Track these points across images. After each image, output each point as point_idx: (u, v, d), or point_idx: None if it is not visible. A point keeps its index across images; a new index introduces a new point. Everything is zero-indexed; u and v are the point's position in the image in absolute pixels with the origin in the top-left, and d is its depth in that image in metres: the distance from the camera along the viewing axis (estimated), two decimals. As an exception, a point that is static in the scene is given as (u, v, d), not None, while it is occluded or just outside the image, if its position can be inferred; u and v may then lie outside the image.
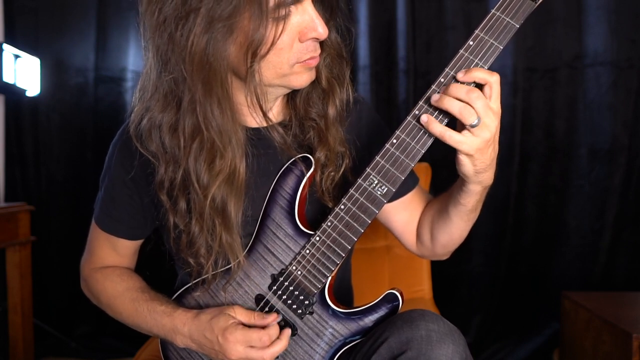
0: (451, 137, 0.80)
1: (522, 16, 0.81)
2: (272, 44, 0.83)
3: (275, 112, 1.02)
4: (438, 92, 0.82)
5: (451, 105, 0.79)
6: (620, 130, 2.22)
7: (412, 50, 2.29)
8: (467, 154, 0.81)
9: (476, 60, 0.82)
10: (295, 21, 0.84)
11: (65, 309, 2.52)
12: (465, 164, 0.83)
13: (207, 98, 0.85)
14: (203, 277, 0.97)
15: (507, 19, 0.81)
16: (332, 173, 0.99)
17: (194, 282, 1.01)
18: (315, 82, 0.97)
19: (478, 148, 0.80)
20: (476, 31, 0.82)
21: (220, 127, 0.87)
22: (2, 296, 2.18)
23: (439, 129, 0.80)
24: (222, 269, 0.97)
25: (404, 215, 1.10)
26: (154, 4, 0.83)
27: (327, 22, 0.92)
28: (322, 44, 0.93)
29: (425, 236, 1.08)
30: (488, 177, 0.89)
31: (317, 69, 0.95)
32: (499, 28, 0.82)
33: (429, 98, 0.83)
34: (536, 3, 0.81)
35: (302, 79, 0.92)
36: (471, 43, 0.82)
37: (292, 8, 0.83)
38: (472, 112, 0.78)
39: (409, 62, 2.29)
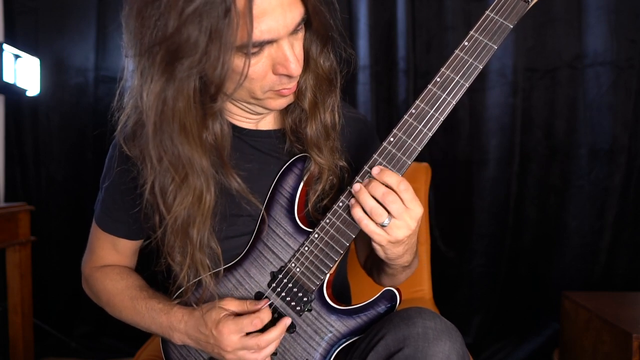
0: (367, 225, 0.84)
1: (515, 17, 0.83)
2: (242, 76, 0.78)
3: (271, 119, 1.03)
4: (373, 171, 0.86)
5: (365, 203, 0.83)
6: (620, 130, 2.22)
7: (412, 50, 2.30)
8: (378, 244, 0.86)
9: (471, 60, 0.84)
10: (268, 54, 0.82)
11: (65, 309, 2.53)
12: (378, 250, 0.89)
13: (158, 134, 0.81)
14: (177, 284, 0.96)
15: (501, 20, 0.84)
16: (322, 189, 0.99)
17: (176, 294, 1.00)
18: (298, 102, 0.96)
19: (389, 242, 0.85)
20: (471, 32, 0.85)
21: (179, 159, 0.83)
22: (2, 296, 2.19)
23: (358, 214, 0.84)
24: (195, 280, 0.95)
25: (360, 244, 1.13)
26: (133, 17, 0.78)
27: (321, 51, 0.91)
28: (308, 64, 0.91)
29: (370, 271, 1.12)
30: (404, 261, 0.93)
31: (301, 90, 0.94)
32: (493, 29, 0.84)
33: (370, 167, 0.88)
34: (529, 4, 0.84)
35: (276, 104, 0.91)
36: (466, 44, 0.85)
37: (266, 46, 0.81)
38: (383, 213, 0.82)
39: (409, 62, 2.29)
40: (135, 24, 0.77)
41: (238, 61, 0.78)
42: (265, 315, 0.92)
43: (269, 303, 0.95)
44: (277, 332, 0.92)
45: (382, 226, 0.83)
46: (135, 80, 0.83)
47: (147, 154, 0.84)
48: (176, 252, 0.92)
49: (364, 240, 1.12)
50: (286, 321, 0.94)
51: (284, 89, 0.88)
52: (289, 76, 0.85)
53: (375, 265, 1.07)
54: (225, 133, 0.89)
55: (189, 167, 0.84)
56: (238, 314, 0.94)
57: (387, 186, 0.84)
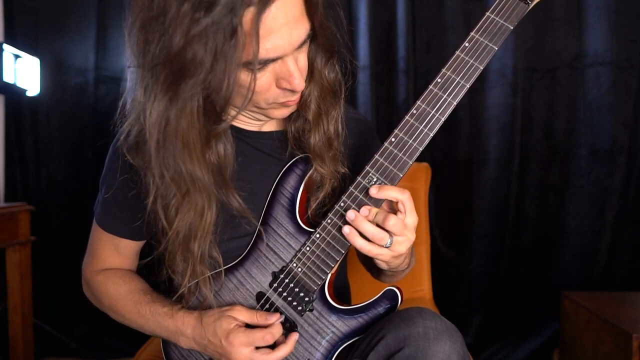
0: (370, 251, 0.87)
1: (515, 18, 0.84)
2: (249, 90, 0.77)
3: (274, 121, 1.03)
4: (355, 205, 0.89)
5: (365, 230, 0.86)
6: (620, 130, 2.22)
7: (412, 50, 2.30)
8: (382, 261, 0.91)
9: (472, 61, 0.85)
10: (272, 68, 0.81)
11: (65, 309, 2.53)
12: (380, 264, 0.93)
13: (160, 152, 0.81)
14: (179, 292, 0.96)
15: (502, 22, 0.84)
16: (324, 196, 0.99)
17: (177, 295, 0.99)
18: (302, 112, 0.96)
19: (392, 256, 0.89)
20: (472, 33, 0.85)
21: (181, 175, 0.83)
22: (2, 296, 2.19)
23: (359, 242, 0.87)
24: (194, 281, 0.94)
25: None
26: (137, 29, 0.77)
27: (326, 63, 0.92)
28: (313, 75, 0.91)
29: (369, 268, 1.14)
30: (403, 266, 0.97)
31: (305, 100, 0.94)
32: (493, 30, 0.84)
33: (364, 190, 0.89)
34: (529, 5, 0.84)
35: (279, 113, 0.91)
36: (467, 44, 0.85)
37: (270, 63, 0.80)
38: (385, 236, 0.86)
39: (409, 62, 2.29)
40: (139, 36, 0.76)
41: (244, 76, 0.78)
42: (277, 331, 0.93)
43: (281, 319, 0.95)
44: (287, 349, 0.92)
45: (385, 247, 0.86)
46: (138, 93, 0.82)
47: (150, 169, 0.84)
48: (177, 263, 0.92)
49: None
50: (295, 337, 0.94)
51: (289, 101, 0.88)
52: (293, 90, 0.84)
53: (374, 267, 1.08)
54: (228, 153, 0.89)
55: (191, 184, 0.84)
56: (248, 324, 0.94)
57: (390, 200, 0.87)
